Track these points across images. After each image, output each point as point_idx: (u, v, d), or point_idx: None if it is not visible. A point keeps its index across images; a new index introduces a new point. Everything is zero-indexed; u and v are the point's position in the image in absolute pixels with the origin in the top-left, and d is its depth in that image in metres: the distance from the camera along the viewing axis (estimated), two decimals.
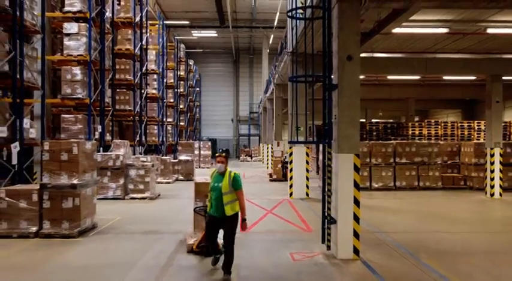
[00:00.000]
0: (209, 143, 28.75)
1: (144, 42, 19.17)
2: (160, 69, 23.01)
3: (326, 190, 6.98)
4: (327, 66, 6.80)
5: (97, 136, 13.52)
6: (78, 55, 12.63)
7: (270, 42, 35.18)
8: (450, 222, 9.66)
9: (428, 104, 28.75)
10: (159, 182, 16.36)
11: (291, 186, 13.43)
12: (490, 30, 10.47)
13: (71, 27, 12.71)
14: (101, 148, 13.51)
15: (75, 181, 7.88)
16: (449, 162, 16.69)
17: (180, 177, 19.07)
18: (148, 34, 20.66)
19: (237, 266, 5.92)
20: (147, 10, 20.07)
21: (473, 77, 17.17)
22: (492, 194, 13.56)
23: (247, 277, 5.67)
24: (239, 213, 5.59)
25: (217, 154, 5.80)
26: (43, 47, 10.51)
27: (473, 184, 15.55)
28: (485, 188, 13.92)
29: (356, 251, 6.51)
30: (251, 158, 36.86)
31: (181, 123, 31.77)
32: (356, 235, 6.52)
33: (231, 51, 41.59)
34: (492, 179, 13.63)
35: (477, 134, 20.38)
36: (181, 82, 31.80)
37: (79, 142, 8.05)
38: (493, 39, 11.75)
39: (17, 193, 7.87)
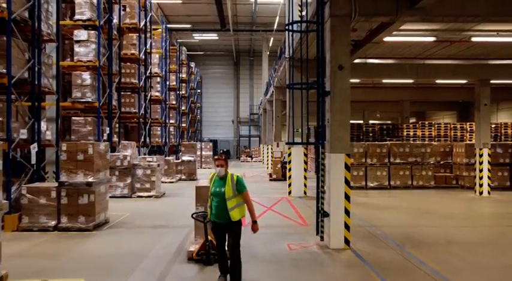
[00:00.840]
0: (210, 144, 29.41)
1: (148, 46, 19.87)
2: (163, 72, 23.70)
3: (320, 186, 7.69)
4: (321, 75, 7.50)
5: (105, 137, 14.21)
6: (87, 61, 13.29)
7: (270, 44, 35.91)
8: (437, 217, 10.37)
9: (424, 106, 29.45)
10: (163, 182, 17.02)
11: (289, 185, 14.13)
12: (474, 39, 11.20)
13: (81, 34, 13.38)
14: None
15: (90, 179, 8.58)
16: (442, 162, 17.39)
17: (183, 177, 19.79)
18: (151, 38, 21.35)
19: None
20: (151, 16, 20.77)
21: (465, 81, 17.89)
22: (481, 193, 14.27)
23: (248, 264, 6.34)
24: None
25: (216, 157, 5.39)
26: (57, 54, 11.20)
27: (464, 183, 16.25)
28: (475, 187, 14.61)
29: (347, 241, 7.21)
30: (251, 159, 37.53)
31: (183, 125, 32.47)
32: (347, 227, 7.22)
33: (232, 53, 42.30)
34: (481, 178, 14.34)
35: (469, 135, 21.08)
36: (183, 84, 32.51)
37: (94, 143, 8.76)
38: (479, 46, 12.47)
39: (37, 190, 8.57)
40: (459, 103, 27.44)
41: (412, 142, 18.13)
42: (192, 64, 37.64)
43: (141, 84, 18.30)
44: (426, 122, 22.28)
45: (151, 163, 13.85)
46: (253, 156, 38.25)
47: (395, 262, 6.49)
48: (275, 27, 31.15)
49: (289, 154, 14.20)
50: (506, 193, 14.89)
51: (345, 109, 7.28)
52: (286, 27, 8.76)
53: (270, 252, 7.03)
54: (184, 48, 34.10)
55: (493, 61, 13.49)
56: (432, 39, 11.32)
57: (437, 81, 19.24)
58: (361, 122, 26.06)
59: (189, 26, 32.51)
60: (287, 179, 14.53)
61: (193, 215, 6.22)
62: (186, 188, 15.95)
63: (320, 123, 7.56)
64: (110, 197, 12.85)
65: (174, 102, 28.20)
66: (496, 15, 7.37)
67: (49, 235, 8.13)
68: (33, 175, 9.37)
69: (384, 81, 19.56)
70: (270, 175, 20.59)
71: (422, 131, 21.45)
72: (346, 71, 7.24)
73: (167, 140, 24.88)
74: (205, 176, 20.41)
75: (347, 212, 7.24)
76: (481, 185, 14.33)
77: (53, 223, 8.49)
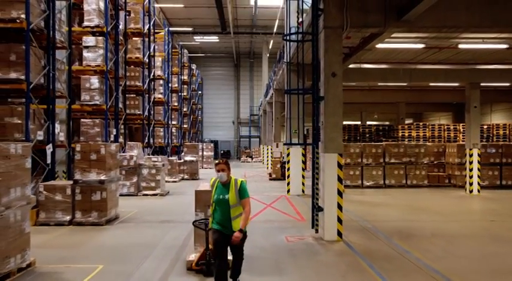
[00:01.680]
0: (212, 145, 30.07)
1: (151, 50, 20.54)
2: (166, 75, 24.38)
3: (315, 183, 8.36)
4: (315, 81, 8.18)
5: (112, 138, 14.88)
6: (96, 65, 13.98)
7: (270, 47, 36.62)
8: (426, 213, 11.04)
9: (421, 107, 30.11)
10: (166, 181, 17.70)
11: (288, 184, 14.79)
12: (460, 46, 11.87)
13: (89, 40, 14.07)
14: None
15: (102, 177, 9.26)
16: (435, 162, 18.05)
17: (186, 176, 20.49)
18: (155, 42, 22.03)
19: None
20: (154, 20, 21.45)
21: (457, 84, 18.58)
22: (471, 191, 14.93)
23: (249, 253, 7.00)
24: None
25: (216, 162, 5.02)
26: (69, 61, 11.88)
27: (456, 182, 16.91)
28: (465, 186, 15.28)
29: (339, 233, 7.88)
30: (252, 159, 38.20)
31: (185, 126, 33.15)
32: (339, 220, 7.90)
33: (232, 55, 43.01)
34: (471, 177, 15.01)
35: (462, 136, 21.72)
36: (185, 86, 33.19)
37: (106, 144, 9.45)
38: (467, 51, 13.13)
39: (54, 187, 9.25)
40: (455, 104, 28.08)
41: (406, 143, 18.81)
42: (193, 66, 38.33)
43: (145, 87, 18.97)
44: (421, 123, 22.97)
45: (156, 163, 14.53)
46: (253, 156, 38.91)
47: (382, 251, 7.16)
48: (274, 30, 31.86)
49: (288, 154, 14.86)
50: (496, 191, 15.55)
51: (338, 113, 7.95)
52: (284, 38, 9.44)
53: (270, 243, 7.69)
54: (185, 50, 34.81)
55: (481, 66, 14.17)
56: (422, 46, 12.00)
57: (431, 84, 19.96)
58: (358, 123, 26.74)
59: (190, 29, 33.26)
60: (286, 178, 15.20)
61: (195, 223, 5.77)
62: (188, 187, 16.60)
63: (315, 126, 8.23)
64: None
65: (176, 103, 28.89)
66: (476, 27, 8.06)
67: (65, 229, 8.80)
68: (47, 174, 10.03)
69: (380, 84, 20.27)
70: (270, 174, 21.26)
71: (417, 132, 22.13)
72: (339, 78, 7.90)
73: (169, 141, 25.56)
74: (206, 176, 21.15)
75: (339, 207, 7.90)
76: (471, 184, 14.99)
77: (68, 218, 9.16)
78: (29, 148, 6.12)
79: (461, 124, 22.02)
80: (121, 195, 13.71)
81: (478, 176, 14.98)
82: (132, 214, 10.66)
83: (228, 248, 5.01)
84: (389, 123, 30.01)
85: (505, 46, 11.75)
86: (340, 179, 7.93)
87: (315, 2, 7.99)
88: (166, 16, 31.53)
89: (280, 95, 21.10)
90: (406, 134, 22.21)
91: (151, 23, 20.57)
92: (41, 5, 9.84)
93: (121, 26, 16.50)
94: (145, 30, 19.25)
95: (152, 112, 21.09)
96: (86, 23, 14.02)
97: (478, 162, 14.96)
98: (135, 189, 14.18)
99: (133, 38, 18.58)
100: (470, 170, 14.98)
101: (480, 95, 14.94)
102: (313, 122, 8.26)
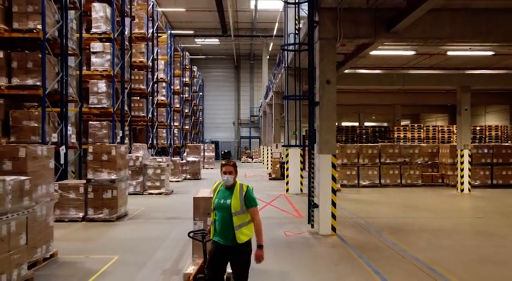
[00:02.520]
0: (213, 145, 30.72)
1: (155, 54, 21.22)
2: (169, 78, 25.06)
3: (310, 182, 9.04)
4: (311, 87, 8.86)
5: (118, 140, 15.55)
6: (103, 70, 14.65)
7: (270, 49, 37.28)
8: (417, 211, 11.72)
9: (417, 109, 30.76)
10: (170, 181, 18.37)
11: (287, 183, 15.46)
12: (449, 53, 12.57)
13: (97, 46, 14.75)
14: None
15: (113, 177, 9.94)
16: (429, 162, 18.70)
17: (188, 176, 21.16)
18: (157, 46, 22.71)
19: None
20: (157, 25, 22.13)
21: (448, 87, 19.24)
22: (462, 190, 15.60)
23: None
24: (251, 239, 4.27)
25: (223, 163, 4.38)
26: (80, 67, 12.57)
27: (449, 181, 17.58)
28: (457, 185, 15.95)
29: (333, 228, 8.55)
30: (252, 160, 38.83)
31: (186, 127, 33.82)
32: (333, 216, 8.57)
33: (233, 57, 43.66)
34: (462, 176, 15.68)
35: (456, 137, 22.43)
36: (186, 88, 33.85)
37: (116, 145, 10.14)
38: (457, 58, 13.82)
39: (67, 186, 9.91)
40: (450, 106, 28.76)
41: (401, 144, 19.49)
42: (195, 68, 38.99)
43: (148, 89, 19.64)
44: (416, 125, 23.67)
45: (161, 163, 15.21)
46: (253, 157, 39.52)
47: (372, 244, 7.84)
48: (274, 32, 32.52)
49: (287, 155, 15.53)
50: (487, 190, 16.23)
51: (332, 117, 8.62)
52: (282, 48, 10.13)
53: (269, 237, 8.35)
54: (187, 53, 35.49)
55: (471, 71, 14.86)
56: (413, 52, 12.69)
57: (424, 87, 20.61)
58: (356, 124, 27.40)
59: (191, 31, 33.94)
60: (285, 178, 15.86)
61: (190, 234, 4.88)
62: (191, 187, 17.26)
63: (311, 129, 8.91)
64: None
65: (178, 105, 29.54)
66: (459, 38, 8.74)
67: (79, 225, 9.48)
68: (61, 173, 10.71)
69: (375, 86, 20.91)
70: (270, 174, 21.93)
71: (412, 133, 22.82)
72: (333, 85, 8.58)
73: (172, 142, 26.22)
74: (208, 175, 21.84)
75: (333, 204, 8.58)
76: (462, 183, 15.66)
77: (81, 214, 9.82)
78: (52, 149, 6.80)
79: (455, 126, 22.70)
80: (128, 194, 14.45)
81: (469, 176, 15.65)
82: (140, 211, 11.33)
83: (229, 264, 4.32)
84: (386, 124, 30.69)
85: (491, 53, 12.44)
86: (334, 178, 8.60)
87: (311, 14, 8.67)
88: (168, 19, 32.21)
89: (279, 98, 21.75)
90: (402, 135, 22.90)
91: (155, 27, 21.24)
92: (55, 15, 10.54)
93: (126, 32, 17.17)
94: (149, 35, 19.94)
95: (155, 114, 21.77)
96: (93, 30, 14.69)
97: (469, 162, 15.62)
98: (141, 188, 14.86)
99: (138, 43, 19.26)
100: (462, 170, 15.65)
101: (474, 98, 15.61)
102: (309, 125, 8.93)
